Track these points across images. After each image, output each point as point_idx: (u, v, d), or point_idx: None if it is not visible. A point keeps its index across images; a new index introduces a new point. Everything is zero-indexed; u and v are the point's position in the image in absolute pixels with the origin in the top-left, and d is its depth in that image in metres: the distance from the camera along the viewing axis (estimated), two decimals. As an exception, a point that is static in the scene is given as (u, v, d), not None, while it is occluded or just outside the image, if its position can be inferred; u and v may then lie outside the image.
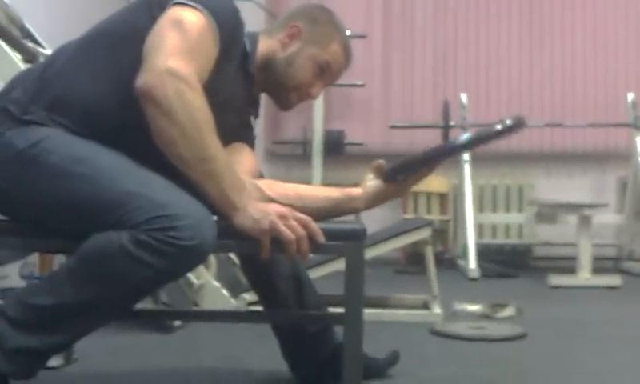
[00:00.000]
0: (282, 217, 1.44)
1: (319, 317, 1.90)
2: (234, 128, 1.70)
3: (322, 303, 1.90)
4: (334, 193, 1.70)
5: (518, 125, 1.59)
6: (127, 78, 1.41)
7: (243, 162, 1.68)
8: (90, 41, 1.54)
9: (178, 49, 1.39)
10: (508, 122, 1.58)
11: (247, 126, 1.79)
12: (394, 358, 2.03)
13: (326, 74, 1.70)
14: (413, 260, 4.96)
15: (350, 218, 1.77)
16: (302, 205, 1.60)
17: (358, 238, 1.57)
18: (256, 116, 1.82)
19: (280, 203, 1.54)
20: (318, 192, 1.75)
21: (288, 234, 1.42)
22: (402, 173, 1.67)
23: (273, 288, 1.86)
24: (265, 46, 1.69)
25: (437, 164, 1.66)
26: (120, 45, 1.50)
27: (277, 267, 1.83)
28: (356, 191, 1.70)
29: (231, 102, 1.64)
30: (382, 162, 1.70)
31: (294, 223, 1.44)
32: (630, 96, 4.93)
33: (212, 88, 1.45)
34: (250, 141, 1.79)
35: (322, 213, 1.64)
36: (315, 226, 1.47)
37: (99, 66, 1.49)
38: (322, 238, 1.47)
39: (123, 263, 1.31)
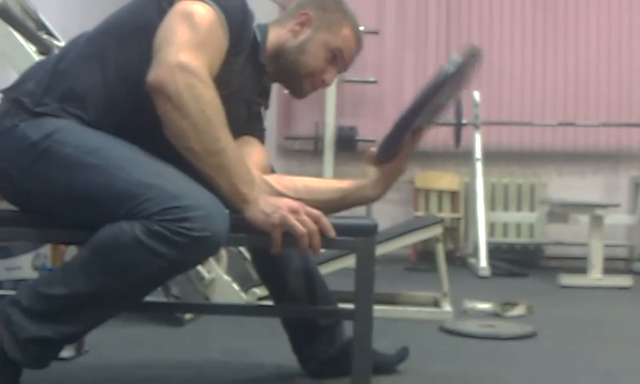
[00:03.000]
0: (294, 211, 1.44)
1: (329, 312, 1.91)
2: (243, 120, 1.70)
3: (332, 299, 1.90)
4: (342, 184, 1.71)
5: (472, 57, 1.55)
6: (136, 72, 1.41)
7: (253, 155, 1.68)
8: (101, 34, 1.55)
9: (188, 42, 1.39)
10: (455, 59, 1.51)
11: (257, 117, 1.79)
12: (403, 354, 2.03)
13: (338, 59, 1.70)
14: (423, 258, 4.96)
15: (362, 213, 1.77)
16: (311, 198, 1.61)
17: (369, 233, 1.57)
18: (266, 107, 1.82)
19: (289, 197, 1.54)
20: (326, 184, 1.75)
21: (299, 228, 1.42)
22: (387, 149, 1.65)
23: (283, 283, 1.86)
24: (275, 35, 1.69)
25: (411, 125, 1.59)
26: (129, 38, 1.50)
27: (287, 262, 1.83)
28: (363, 181, 1.70)
29: (240, 93, 1.64)
30: (371, 149, 1.69)
31: (305, 217, 1.44)
32: (644, 96, 4.90)
33: (221, 80, 1.46)
34: (259, 132, 1.79)
35: (331, 205, 1.65)
36: (326, 221, 1.47)
37: (109, 59, 1.50)
38: (332, 233, 1.47)
39: (135, 253, 1.32)
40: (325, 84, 1.73)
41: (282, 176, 1.72)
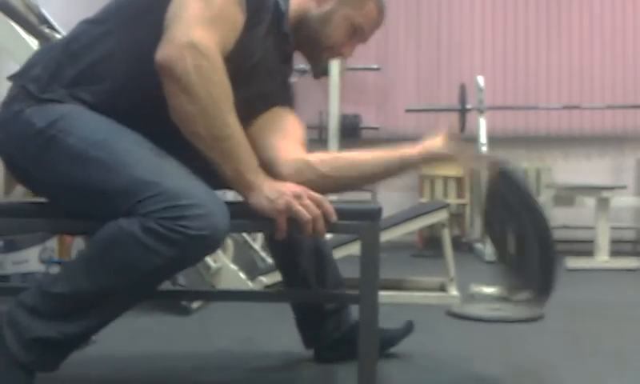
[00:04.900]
0: (297, 196, 1.43)
1: (335, 296, 1.92)
2: (270, 92, 1.67)
3: (341, 282, 1.91)
4: (384, 155, 1.64)
5: None
6: (146, 50, 1.38)
7: (288, 128, 1.66)
8: (109, 14, 1.52)
9: (200, 18, 1.36)
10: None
11: (284, 85, 1.74)
12: (408, 329, 2.03)
13: (359, 34, 1.68)
14: (430, 244, 4.96)
15: (367, 198, 1.77)
16: (357, 173, 1.60)
17: (373, 217, 1.57)
18: (291, 72, 1.77)
19: (333, 177, 1.55)
20: (368, 157, 1.66)
21: (304, 213, 1.42)
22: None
23: (294, 263, 1.87)
24: (298, 2, 1.65)
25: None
26: (140, 16, 1.48)
27: (300, 243, 1.84)
28: (409, 150, 1.63)
29: (264, 65, 1.61)
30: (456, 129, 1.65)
31: (308, 202, 1.44)
32: (649, 77, 4.87)
33: (243, 52, 1.43)
34: (289, 100, 1.75)
35: (376, 177, 1.64)
36: (329, 206, 1.47)
37: (118, 40, 1.47)
38: (334, 218, 1.47)
39: (134, 251, 1.31)
40: (343, 57, 1.71)
41: (324, 155, 1.67)
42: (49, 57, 1.51)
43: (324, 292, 1.89)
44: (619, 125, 5.34)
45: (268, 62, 1.63)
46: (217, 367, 1.97)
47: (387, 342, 1.95)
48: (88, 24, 1.54)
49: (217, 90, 1.36)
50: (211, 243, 1.35)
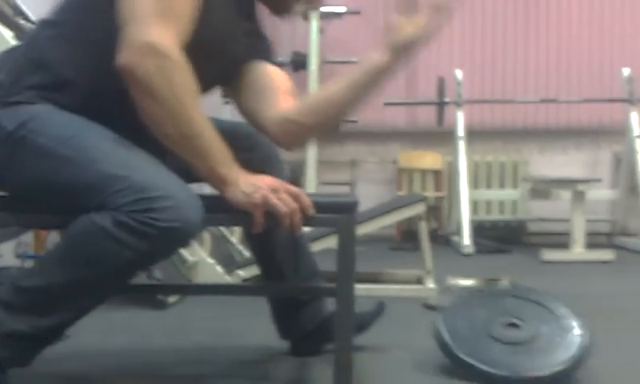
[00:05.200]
0: (274, 190, 1.43)
1: (312, 289, 1.92)
2: (242, 53, 1.65)
3: (317, 273, 1.91)
4: (351, 75, 1.60)
5: None
6: (103, 49, 1.37)
7: (270, 85, 1.64)
8: (62, 13, 1.50)
9: (153, 12, 1.34)
10: None
11: (256, 41, 1.70)
12: (379, 310, 2.04)
13: None
14: (407, 237, 4.97)
15: (345, 191, 1.76)
16: (337, 104, 1.58)
17: (348, 210, 1.58)
18: (259, 26, 1.73)
19: (319, 121, 1.57)
20: (340, 84, 1.60)
21: (281, 207, 1.42)
22: None
23: (270, 255, 1.88)
24: None
25: None
26: (90, 13, 1.46)
27: (275, 235, 1.84)
28: (374, 58, 1.59)
29: (232, 30, 1.59)
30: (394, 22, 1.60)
31: (285, 196, 1.44)
32: (625, 71, 4.92)
33: (205, 24, 1.42)
34: (267, 52, 1.71)
35: (355, 101, 1.59)
36: (306, 198, 1.47)
37: (74, 38, 1.46)
38: (311, 210, 1.47)
39: (105, 245, 1.30)
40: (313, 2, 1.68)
41: (302, 101, 1.64)
42: (11, 62, 1.49)
43: (302, 285, 1.89)
44: (595, 118, 5.39)
45: (233, 24, 1.60)
46: (193, 361, 1.97)
47: (359, 327, 1.95)
48: (44, 27, 1.52)
49: (180, 89, 1.35)
50: (182, 235, 1.34)
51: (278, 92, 1.65)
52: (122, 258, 1.32)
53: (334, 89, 1.60)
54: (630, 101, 4.86)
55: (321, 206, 1.52)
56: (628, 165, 4.83)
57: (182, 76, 1.36)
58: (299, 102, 1.65)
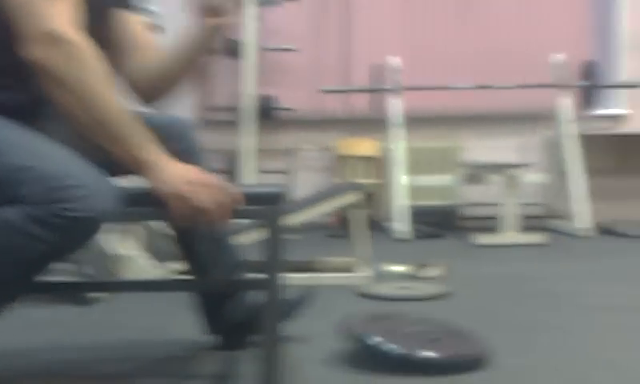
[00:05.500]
0: (202, 184, 1.41)
1: (238, 283, 1.89)
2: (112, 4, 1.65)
3: (238, 264, 1.89)
4: (178, 43, 1.65)
5: None
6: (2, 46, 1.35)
7: (138, 35, 1.67)
8: None
9: None
10: None
11: None
12: (305, 298, 2.02)
13: None
14: (345, 224, 4.98)
15: (276, 181, 1.75)
16: (172, 71, 1.65)
17: (274, 200, 1.56)
18: None
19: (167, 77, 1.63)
20: (170, 53, 1.67)
21: (206, 200, 1.40)
22: None
23: (192, 247, 1.85)
24: None
25: None
26: None
27: (194, 227, 1.80)
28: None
29: None
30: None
31: (214, 190, 1.41)
32: (554, 57, 5.01)
33: None
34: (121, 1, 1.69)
35: (190, 64, 1.65)
36: (235, 192, 1.45)
37: None
38: (241, 203, 1.45)
39: (17, 238, 1.26)
40: None
41: (157, 57, 1.67)
42: None
43: (229, 279, 1.87)
44: (528, 104, 5.49)
45: None
46: (124, 358, 1.93)
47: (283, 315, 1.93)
48: None
49: (89, 74, 1.32)
50: (94, 225, 1.30)
51: (141, 45, 1.67)
52: (34, 252, 1.28)
53: (168, 53, 1.66)
54: (558, 86, 4.96)
55: (247, 197, 1.50)
56: (558, 149, 4.93)
57: (88, 61, 1.33)
58: (155, 56, 1.68)
